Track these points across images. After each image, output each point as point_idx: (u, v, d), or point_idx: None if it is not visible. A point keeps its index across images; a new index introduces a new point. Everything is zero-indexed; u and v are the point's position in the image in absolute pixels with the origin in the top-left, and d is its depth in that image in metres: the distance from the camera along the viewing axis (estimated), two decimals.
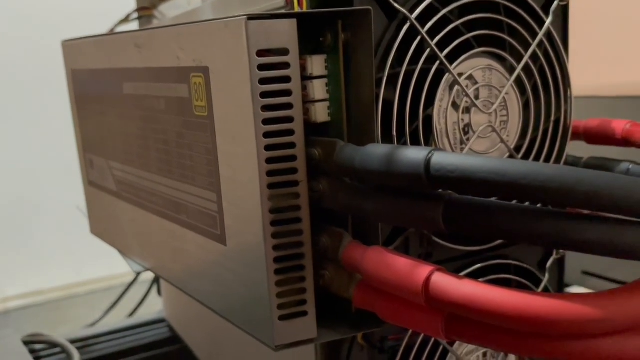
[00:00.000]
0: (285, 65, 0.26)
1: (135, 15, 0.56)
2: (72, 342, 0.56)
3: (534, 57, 0.34)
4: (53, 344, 0.55)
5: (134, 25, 0.57)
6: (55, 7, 1.13)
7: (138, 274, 0.66)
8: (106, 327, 0.64)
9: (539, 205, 0.23)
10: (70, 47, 0.46)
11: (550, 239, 0.21)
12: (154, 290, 0.70)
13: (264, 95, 0.26)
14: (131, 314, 0.73)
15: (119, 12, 0.56)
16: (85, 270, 1.20)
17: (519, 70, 0.33)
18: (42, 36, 1.10)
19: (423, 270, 0.24)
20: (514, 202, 0.23)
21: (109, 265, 1.14)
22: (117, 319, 0.71)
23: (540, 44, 0.34)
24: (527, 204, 0.24)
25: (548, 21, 0.34)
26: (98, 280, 1.20)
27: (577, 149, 0.38)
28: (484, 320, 0.22)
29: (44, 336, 0.55)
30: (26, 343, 0.54)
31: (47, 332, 0.56)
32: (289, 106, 0.26)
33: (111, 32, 0.55)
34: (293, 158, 0.27)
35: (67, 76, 0.47)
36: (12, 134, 1.14)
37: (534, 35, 0.33)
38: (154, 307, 0.71)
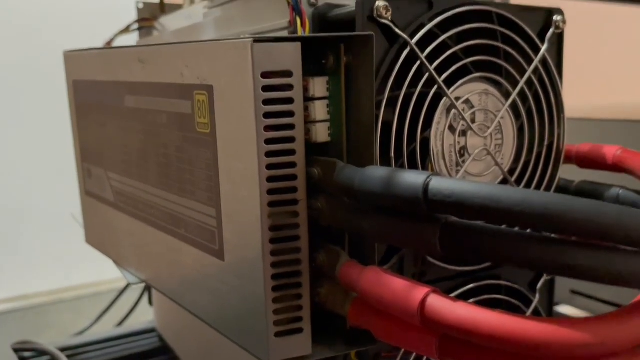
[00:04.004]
0: (289, 87, 0.26)
1: (136, 26, 0.57)
2: (62, 350, 0.56)
3: (529, 82, 0.35)
4: (43, 352, 0.55)
5: (134, 36, 0.58)
6: (54, 11, 1.13)
7: (129, 284, 0.66)
8: (96, 335, 0.63)
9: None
10: (72, 58, 0.46)
11: (543, 265, 0.22)
12: (144, 299, 0.70)
13: (267, 115, 0.26)
14: (120, 323, 0.73)
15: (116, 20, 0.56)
16: (72, 276, 1.19)
17: (514, 95, 0.34)
18: (35, 44, 1.10)
19: (419, 292, 0.24)
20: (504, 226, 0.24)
21: (96, 271, 1.13)
22: (106, 328, 0.71)
23: (536, 70, 0.35)
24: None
25: (543, 48, 0.35)
26: (85, 286, 1.19)
27: (569, 172, 0.39)
28: (477, 342, 0.23)
29: (34, 344, 0.55)
30: (16, 350, 0.54)
31: (32, 337, 0.56)
32: (291, 127, 0.27)
33: (111, 41, 0.55)
34: (293, 177, 0.27)
35: (68, 86, 0.47)
36: (0, 139, 1.13)
37: (529, 61, 0.34)
38: (141, 316, 0.71)
